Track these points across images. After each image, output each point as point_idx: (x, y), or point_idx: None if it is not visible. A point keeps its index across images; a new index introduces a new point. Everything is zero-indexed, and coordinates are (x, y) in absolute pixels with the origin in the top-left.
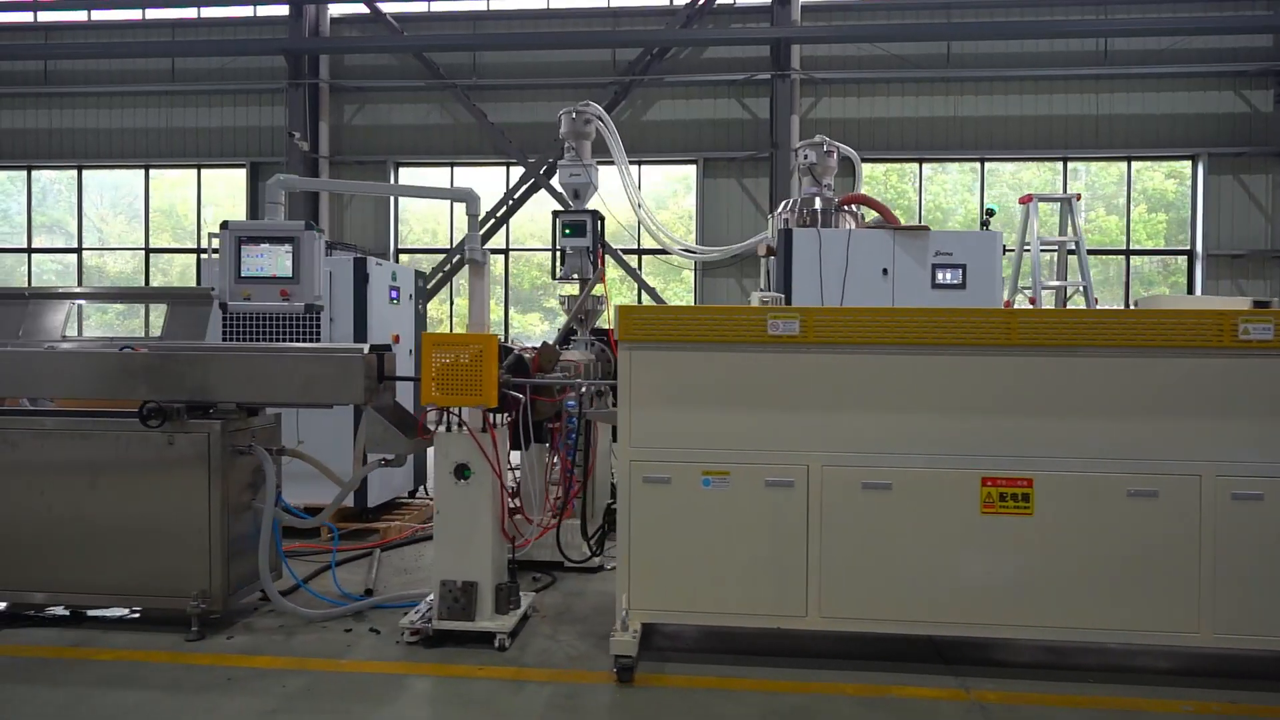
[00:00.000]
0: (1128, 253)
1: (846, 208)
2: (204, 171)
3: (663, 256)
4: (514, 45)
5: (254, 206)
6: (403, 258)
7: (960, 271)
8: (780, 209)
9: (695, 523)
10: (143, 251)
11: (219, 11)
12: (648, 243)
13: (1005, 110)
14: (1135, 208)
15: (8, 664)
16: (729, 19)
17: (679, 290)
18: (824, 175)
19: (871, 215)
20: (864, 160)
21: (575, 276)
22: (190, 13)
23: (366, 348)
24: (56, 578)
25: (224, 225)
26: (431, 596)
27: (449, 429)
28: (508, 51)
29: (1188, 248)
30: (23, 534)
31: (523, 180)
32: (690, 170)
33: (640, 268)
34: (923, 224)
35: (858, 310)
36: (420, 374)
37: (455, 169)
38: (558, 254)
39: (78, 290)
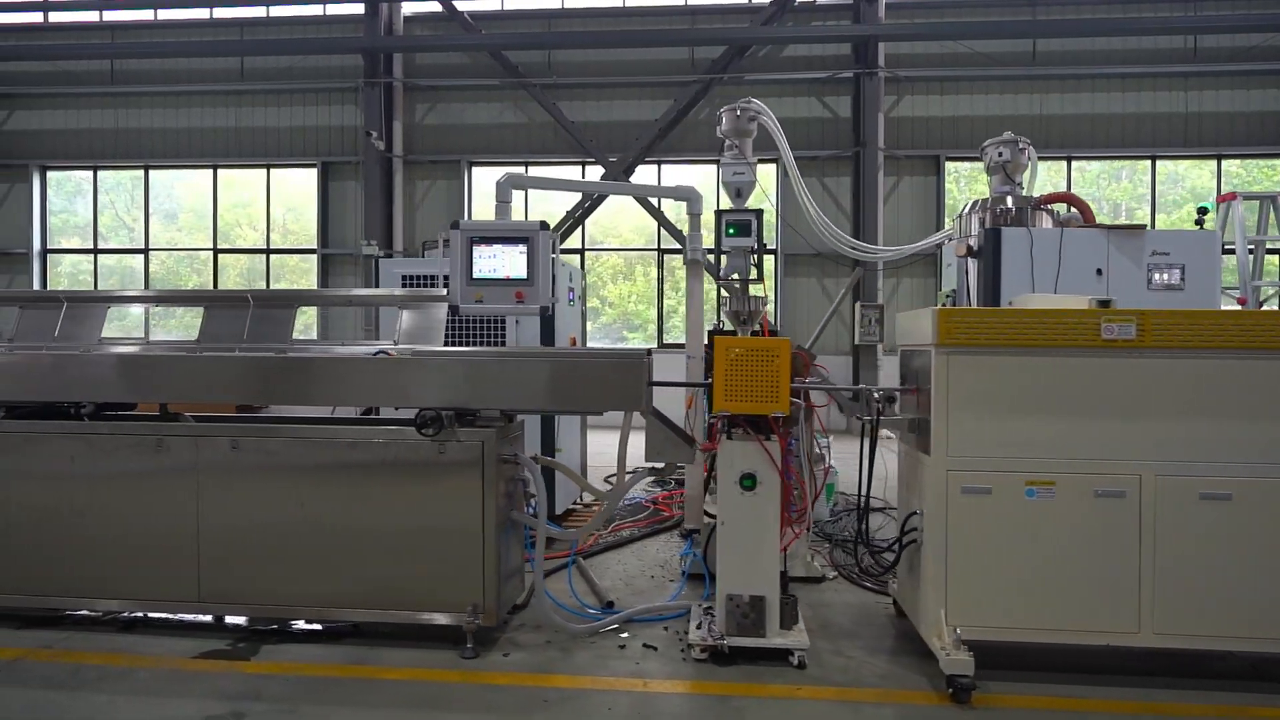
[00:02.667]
0: None
1: (1045, 207)
2: (273, 171)
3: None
4: (591, 44)
5: (325, 205)
6: None
7: (1179, 272)
8: (966, 208)
9: (1017, 535)
10: (211, 252)
11: (289, 10)
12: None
13: (1092, 108)
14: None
15: (308, 684)
16: (809, 17)
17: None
18: (1016, 173)
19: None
20: (948, 159)
21: (736, 277)
22: (259, 11)
23: (645, 350)
24: (318, 592)
25: (455, 225)
26: (695, 608)
27: (729, 436)
28: (583, 50)
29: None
30: (285, 546)
31: (604, 179)
32: (768, 170)
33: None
34: (1139, 223)
35: (1199, 313)
36: (715, 380)
37: (530, 168)
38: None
39: (315, 292)
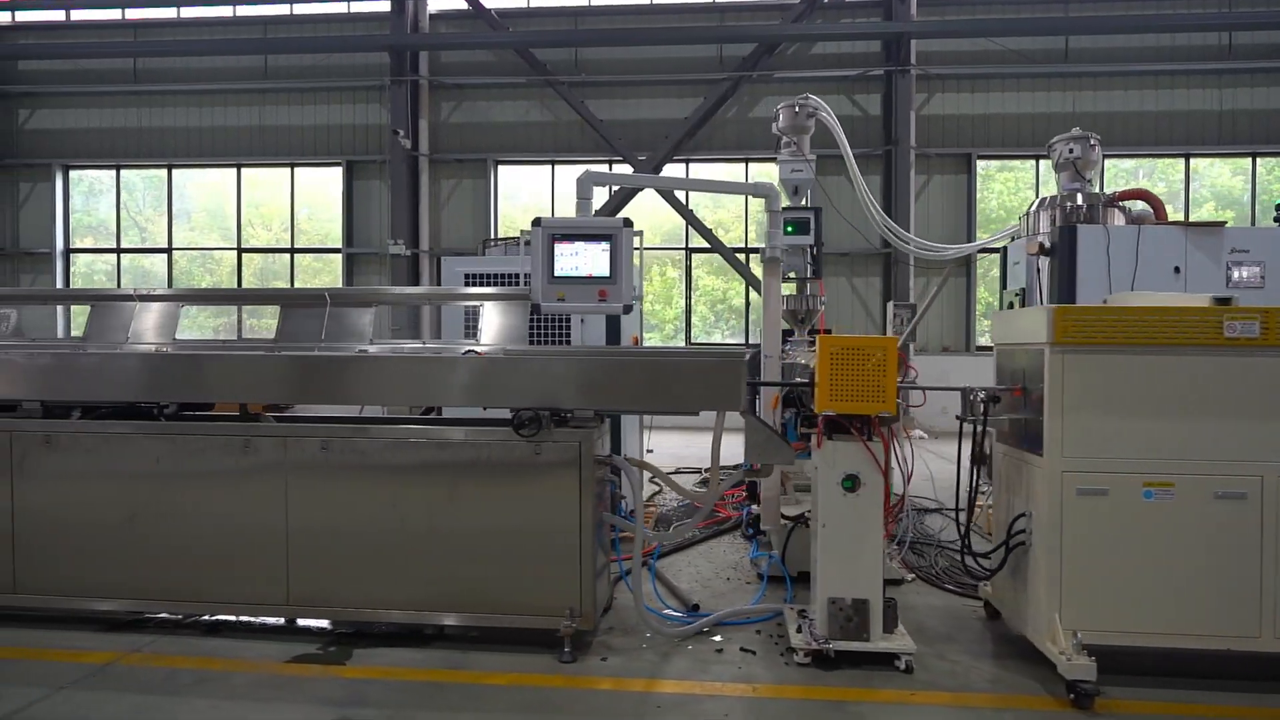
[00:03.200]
0: None
1: (1117, 204)
2: (296, 170)
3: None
4: (620, 41)
5: (349, 205)
6: None
7: (1258, 269)
8: (1034, 206)
9: (1135, 537)
10: (235, 251)
11: (312, 8)
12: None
13: (1125, 106)
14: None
15: (411, 689)
16: (839, 14)
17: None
18: (1086, 169)
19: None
20: (979, 158)
21: (793, 275)
22: (282, 9)
23: (744, 351)
24: (407, 594)
25: (536, 222)
26: (788, 612)
27: (829, 437)
28: (610, 48)
29: None
30: (375, 548)
31: (632, 177)
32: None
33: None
34: (1218, 220)
35: None
36: (819, 379)
37: (556, 166)
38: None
39: (395, 290)
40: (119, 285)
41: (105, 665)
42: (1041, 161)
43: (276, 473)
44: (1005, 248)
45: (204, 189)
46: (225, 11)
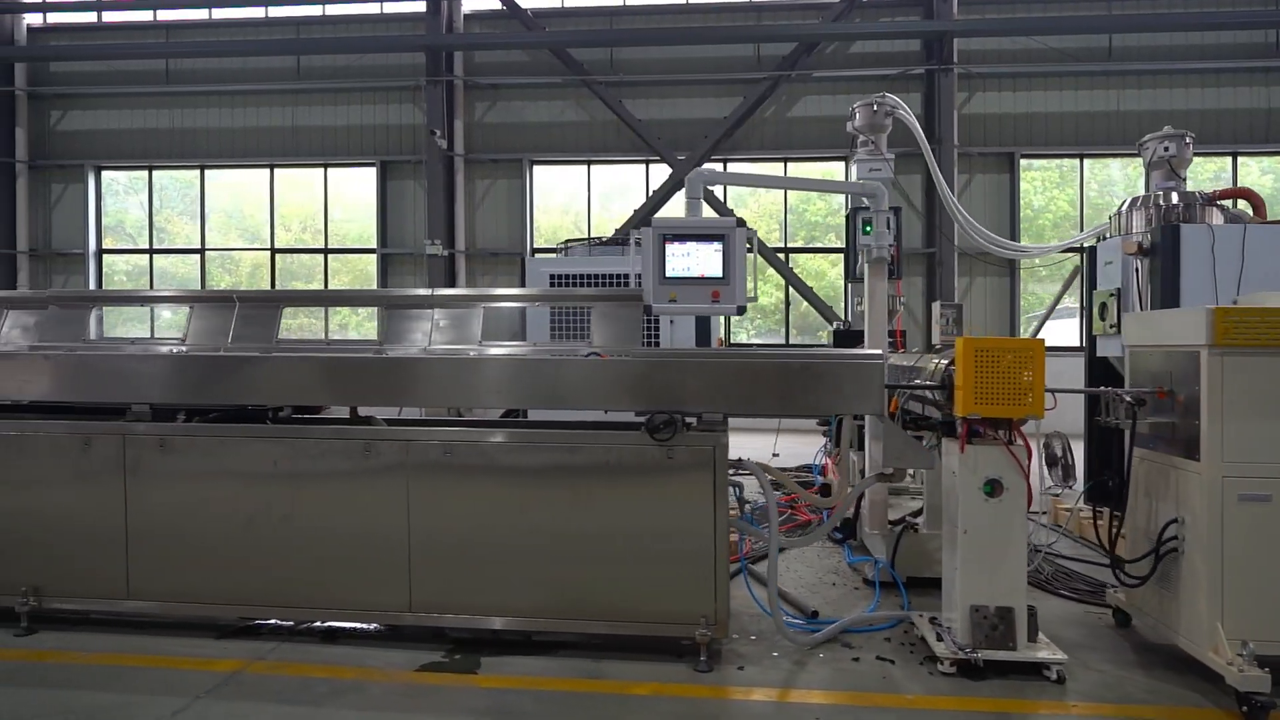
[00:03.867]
0: None
1: (1217, 203)
2: (330, 171)
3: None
4: (656, 40)
5: (384, 205)
6: (537, 258)
7: None
8: (1125, 205)
9: None
10: (269, 252)
11: (345, 9)
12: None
13: (1170, 104)
14: None
15: (557, 700)
16: (877, 13)
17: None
18: (1181, 167)
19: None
20: (1021, 156)
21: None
22: (315, 10)
23: (879, 353)
24: (531, 601)
25: (648, 222)
26: (919, 620)
27: (970, 440)
28: (645, 47)
29: None
30: (500, 553)
31: (671, 179)
32: (832, 166)
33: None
34: None
35: None
36: (962, 381)
37: (592, 166)
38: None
39: (499, 292)
40: (151, 286)
41: (234, 673)
42: (1085, 160)
43: (398, 476)
44: (1094, 247)
45: (222, 190)
46: (257, 12)
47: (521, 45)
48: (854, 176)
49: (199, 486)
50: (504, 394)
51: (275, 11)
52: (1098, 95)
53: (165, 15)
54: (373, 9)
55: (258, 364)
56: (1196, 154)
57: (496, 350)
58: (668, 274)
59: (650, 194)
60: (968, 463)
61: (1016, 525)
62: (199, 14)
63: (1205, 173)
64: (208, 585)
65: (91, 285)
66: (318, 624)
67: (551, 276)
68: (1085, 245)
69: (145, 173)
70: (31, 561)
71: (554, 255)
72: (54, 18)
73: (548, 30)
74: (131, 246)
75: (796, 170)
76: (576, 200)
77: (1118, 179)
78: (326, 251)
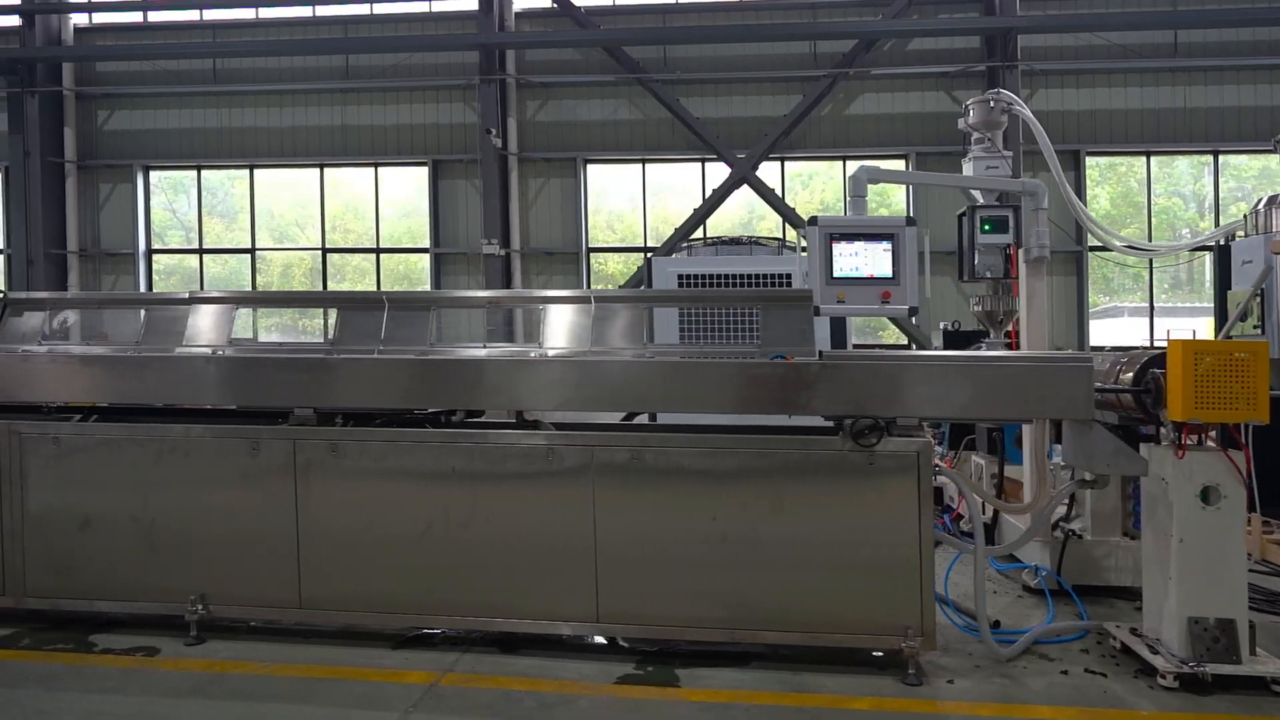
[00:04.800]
0: None
1: None
2: (380, 170)
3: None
4: (712, 38)
5: (436, 204)
6: (592, 258)
7: None
8: (1261, 203)
9: None
10: (320, 251)
11: (394, 7)
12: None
13: (1238, 100)
14: None
15: (778, 715)
16: (935, 9)
17: None
18: None
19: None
20: (1087, 154)
21: (989, 275)
22: (363, 9)
23: (1088, 355)
24: (723, 611)
25: (812, 221)
26: (1120, 630)
27: (1177, 447)
28: (699, 45)
29: None
30: (692, 561)
31: (731, 177)
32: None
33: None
34: None
35: None
36: (1180, 385)
37: (647, 165)
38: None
39: (671, 292)
40: (201, 287)
41: (430, 686)
42: (1153, 158)
43: (582, 482)
44: (1226, 245)
45: (247, 190)
46: (305, 11)
47: (575, 43)
48: (969, 174)
49: (373, 492)
50: (686, 398)
51: (322, 10)
52: (1164, 92)
53: (212, 15)
54: (421, 7)
55: (419, 366)
56: (1259, 151)
57: (658, 355)
58: (835, 274)
59: (709, 193)
60: (1183, 470)
61: (1235, 534)
62: (246, 13)
63: (1249, 170)
64: (381, 593)
65: (141, 286)
66: (492, 633)
67: (680, 276)
68: (1217, 243)
69: (198, 172)
70: (199, 569)
71: (676, 256)
72: (100, 18)
73: (601, 28)
74: (180, 247)
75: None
76: (633, 199)
77: (1185, 176)
78: (379, 251)
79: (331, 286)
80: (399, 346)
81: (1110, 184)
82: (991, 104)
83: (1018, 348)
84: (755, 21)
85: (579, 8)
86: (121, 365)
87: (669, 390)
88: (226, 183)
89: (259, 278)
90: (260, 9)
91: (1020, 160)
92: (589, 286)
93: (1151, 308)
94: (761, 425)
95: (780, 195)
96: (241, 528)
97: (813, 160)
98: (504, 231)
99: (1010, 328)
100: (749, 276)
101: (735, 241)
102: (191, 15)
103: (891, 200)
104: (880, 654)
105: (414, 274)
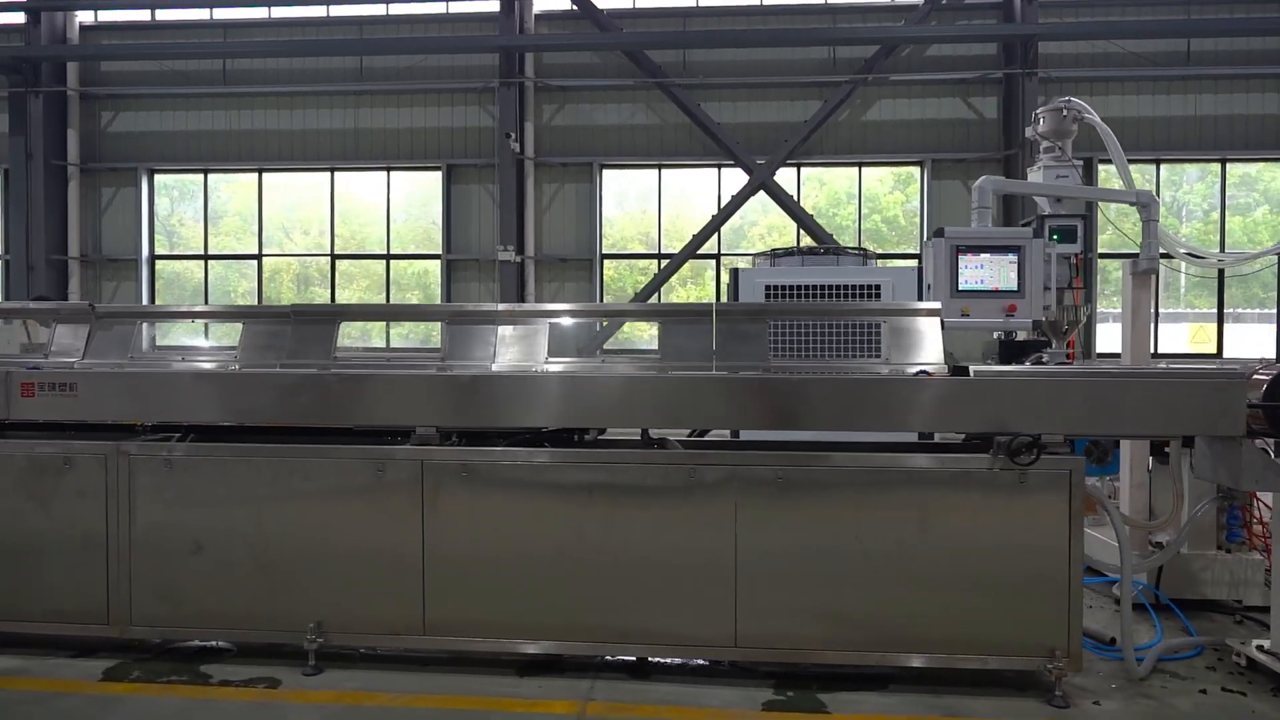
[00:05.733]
0: None
1: None
2: (392, 174)
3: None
4: (734, 43)
5: (449, 208)
6: (607, 264)
7: None
8: None
9: None
10: (329, 258)
11: (410, 8)
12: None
13: (1247, 109)
14: None
15: None
16: (954, 15)
17: None
18: None
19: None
20: (1100, 161)
21: (1055, 285)
22: (379, 9)
23: (1243, 370)
24: (867, 632)
25: (939, 233)
26: (1252, 648)
27: None
28: (719, 50)
29: None
30: (835, 581)
31: (751, 183)
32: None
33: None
34: None
35: None
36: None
37: (663, 170)
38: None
39: (803, 306)
40: (205, 295)
41: (575, 717)
42: (1162, 166)
43: (724, 501)
44: None
45: (239, 191)
46: (319, 11)
47: (596, 46)
48: (1037, 181)
49: (502, 513)
50: (834, 416)
51: (336, 10)
52: (1175, 100)
53: (222, 13)
54: (438, 9)
55: (569, 384)
56: (1269, 159)
57: (809, 374)
58: (960, 286)
59: (729, 198)
60: None
61: None
62: (258, 12)
63: (1275, 183)
64: (507, 618)
65: (144, 293)
66: (609, 657)
67: (768, 288)
68: None
69: (204, 176)
70: (315, 595)
71: (759, 265)
72: (106, 15)
73: (612, 33)
74: (186, 253)
75: (871, 175)
76: (648, 205)
77: (1193, 183)
78: (389, 258)
79: (340, 293)
80: (513, 362)
81: None
82: (1064, 113)
83: (1074, 359)
84: (776, 26)
85: (600, 10)
86: (237, 382)
87: (817, 407)
88: (216, 184)
89: (246, 283)
90: (273, 8)
91: (1023, 167)
92: (601, 295)
93: (1220, 316)
94: (889, 442)
95: (797, 200)
96: (363, 551)
97: (831, 166)
98: (519, 237)
99: (1069, 340)
100: (838, 288)
101: (814, 251)
102: (201, 14)
103: (885, 207)
104: (1012, 674)
105: (427, 282)
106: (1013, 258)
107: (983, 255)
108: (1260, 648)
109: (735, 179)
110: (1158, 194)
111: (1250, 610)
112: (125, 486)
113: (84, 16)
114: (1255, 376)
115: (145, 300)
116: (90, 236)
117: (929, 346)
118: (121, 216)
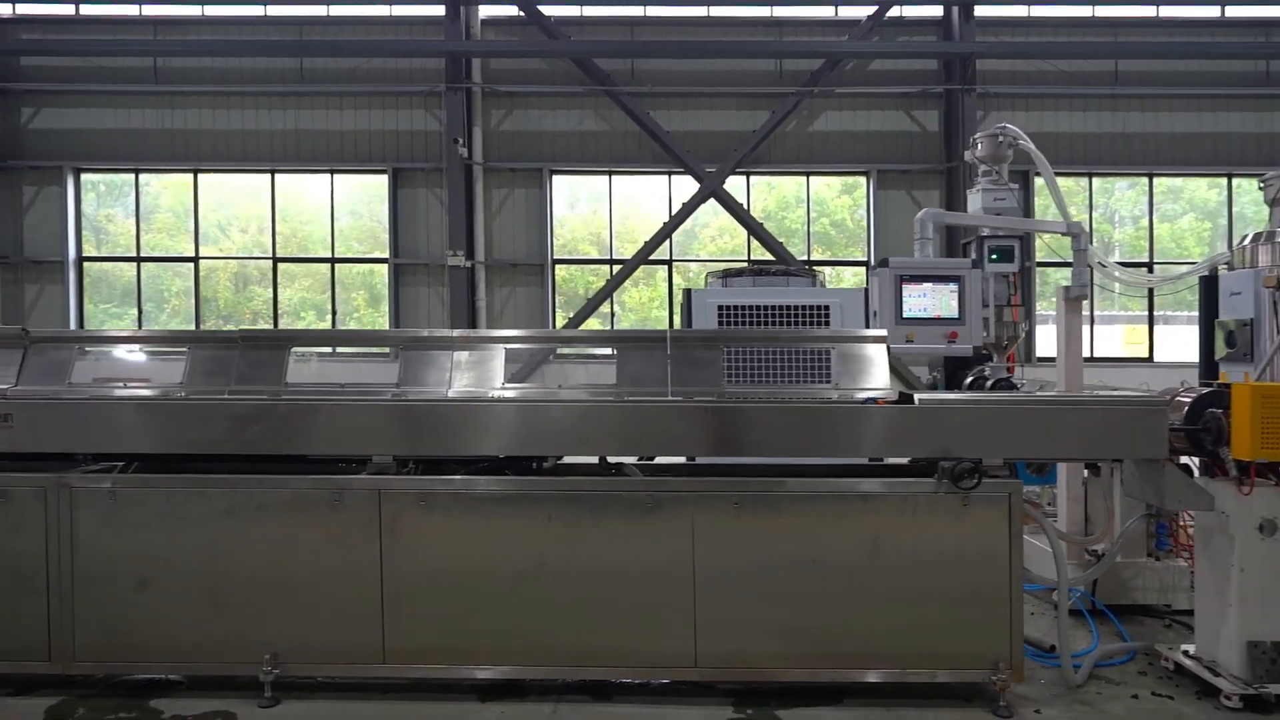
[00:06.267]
0: None
1: None
2: (336, 177)
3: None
4: (681, 53)
5: (396, 212)
6: (558, 269)
7: None
8: (1247, 239)
9: None
10: (270, 260)
11: (351, 10)
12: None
13: (1170, 127)
14: None
15: None
16: (895, 31)
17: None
18: None
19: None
20: (1035, 174)
21: (994, 303)
22: (319, 10)
23: (1165, 397)
24: (821, 649)
25: (884, 263)
26: (1177, 653)
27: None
28: (667, 59)
29: None
30: (790, 601)
31: (701, 191)
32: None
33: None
34: None
35: None
36: (1247, 426)
37: (614, 177)
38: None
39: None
40: (138, 297)
41: None
42: (1095, 179)
43: (682, 526)
44: (1211, 276)
45: (174, 189)
46: (256, 11)
47: (544, 54)
48: (977, 205)
49: (462, 539)
50: (787, 444)
51: (275, 10)
52: (1104, 117)
53: (152, 10)
54: (381, 11)
55: (487, 411)
56: (1191, 175)
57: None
58: (905, 314)
59: (679, 204)
60: (1244, 504)
61: None
62: (191, 10)
63: (1198, 194)
64: (468, 644)
65: (72, 295)
66: (567, 680)
67: (720, 308)
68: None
69: (135, 175)
70: (271, 626)
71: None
72: (24, 8)
73: (560, 40)
74: (115, 252)
75: (819, 183)
76: (583, 205)
77: (1125, 191)
78: (334, 261)
79: (282, 292)
80: (469, 388)
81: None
82: (1000, 139)
83: (1014, 371)
84: (724, 38)
85: (548, 17)
86: (185, 411)
87: (770, 434)
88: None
89: (181, 282)
90: (206, 7)
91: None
92: (553, 299)
93: (1151, 320)
94: (840, 465)
95: (746, 208)
96: (320, 580)
97: (777, 175)
98: (469, 242)
99: (1009, 355)
100: (789, 309)
101: (765, 272)
102: (130, 10)
103: (833, 211)
104: (959, 686)
105: (373, 281)
106: (954, 286)
107: (925, 284)
108: (1186, 653)
109: (686, 184)
110: (1091, 203)
111: (1178, 614)
112: (67, 519)
113: (2, 9)
114: (1178, 399)
115: (73, 303)
116: (10, 237)
117: (876, 372)
118: (45, 216)
